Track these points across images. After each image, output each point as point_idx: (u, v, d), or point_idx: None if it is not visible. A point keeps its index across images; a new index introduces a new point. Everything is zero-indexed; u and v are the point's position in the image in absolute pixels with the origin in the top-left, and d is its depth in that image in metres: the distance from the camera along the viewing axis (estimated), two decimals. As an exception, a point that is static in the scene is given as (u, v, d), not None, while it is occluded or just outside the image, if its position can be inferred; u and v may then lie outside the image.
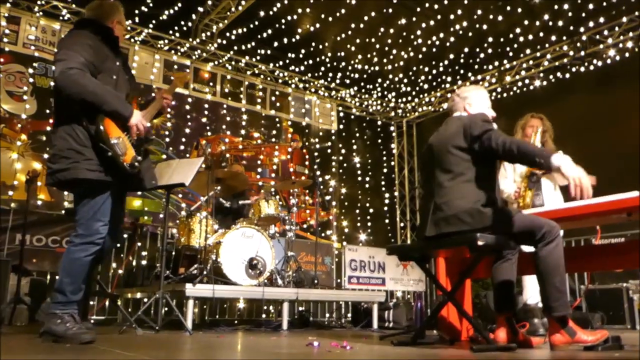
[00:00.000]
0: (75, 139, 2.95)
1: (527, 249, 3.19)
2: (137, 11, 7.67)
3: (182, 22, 8.13)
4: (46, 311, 3.24)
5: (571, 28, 7.92)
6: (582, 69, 8.26)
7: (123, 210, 3.48)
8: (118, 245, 3.35)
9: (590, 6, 7.35)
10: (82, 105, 2.92)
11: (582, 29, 7.95)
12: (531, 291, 4.50)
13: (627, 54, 7.81)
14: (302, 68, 9.40)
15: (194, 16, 8.09)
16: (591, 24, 7.83)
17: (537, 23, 7.75)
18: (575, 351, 2.81)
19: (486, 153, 3.01)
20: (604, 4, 7.30)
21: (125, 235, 6.97)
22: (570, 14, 7.51)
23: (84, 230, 3.02)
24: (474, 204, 2.98)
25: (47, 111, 7.16)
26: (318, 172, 7.65)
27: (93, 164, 2.95)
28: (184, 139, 8.32)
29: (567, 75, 8.48)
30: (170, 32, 8.24)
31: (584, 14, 7.56)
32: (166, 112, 3.49)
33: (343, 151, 10.25)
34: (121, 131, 3.03)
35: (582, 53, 8.01)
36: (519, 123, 4.85)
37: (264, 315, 7.98)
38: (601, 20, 7.73)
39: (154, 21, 7.94)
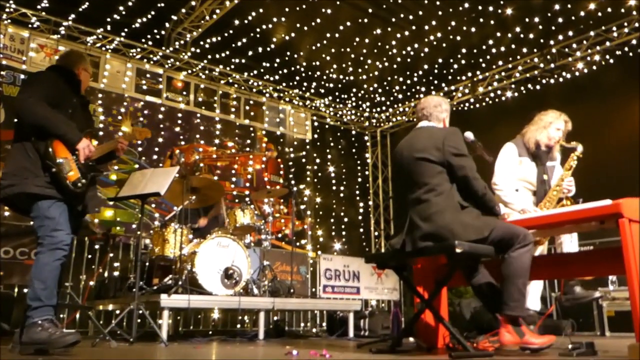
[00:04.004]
0: (26, 159, 3.24)
1: None
2: (108, 19, 7.58)
3: (155, 31, 8.04)
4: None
5: (541, 41, 8.11)
6: (552, 80, 8.46)
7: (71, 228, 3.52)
8: (65, 260, 3.47)
9: (560, 20, 7.53)
10: (36, 129, 3.26)
11: (552, 42, 8.15)
12: (532, 297, 4.26)
13: (594, 67, 8.03)
14: (277, 77, 9.40)
15: (167, 24, 8.02)
16: (560, 37, 8.03)
17: (509, 35, 7.91)
18: (551, 356, 2.84)
19: (454, 171, 3.06)
20: (573, 18, 7.49)
21: (96, 246, 6.85)
22: (540, 27, 7.69)
23: (49, 240, 3.19)
24: (453, 219, 2.99)
25: (16, 120, 6.99)
26: (293, 182, 7.63)
27: (40, 181, 3.20)
28: (157, 149, 8.21)
29: (538, 87, 8.67)
30: (143, 40, 8.15)
31: (553, 27, 7.75)
32: (120, 154, 3.85)
33: (317, 161, 10.25)
34: (69, 154, 3.32)
35: (552, 65, 8.21)
36: (543, 118, 4.23)
37: (238, 326, 7.89)
38: (570, 33, 7.94)
39: (126, 29, 7.84)
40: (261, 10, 7.53)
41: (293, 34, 8.10)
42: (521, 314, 2.95)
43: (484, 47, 8.24)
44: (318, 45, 8.33)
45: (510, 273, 2.96)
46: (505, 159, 4.16)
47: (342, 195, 10.36)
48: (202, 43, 8.32)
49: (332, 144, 10.58)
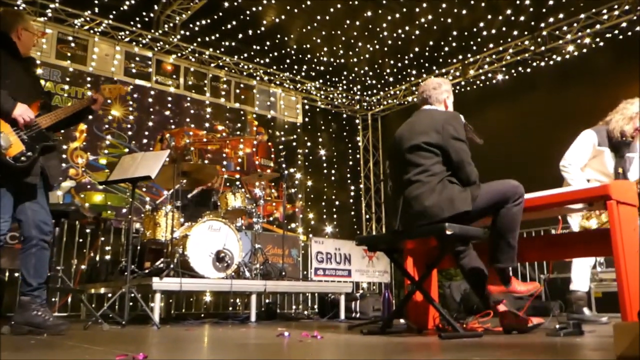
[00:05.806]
0: None
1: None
2: (96, 1, 7.47)
3: (144, 13, 7.94)
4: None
5: (532, 23, 8.10)
6: (543, 63, 8.47)
7: (41, 204, 3.41)
8: (49, 239, 3.42)
9: (551, 2, 7.52)
10: None
11: (542, 25, 8.14)
12: (582, 278, 4.26)
13: (585, 50, 8.04)
14: (267, 60, 9.34)
15: (155, 7, 7.90)
16: (551, 19, 8.02)
17: (500, 18, 7.90)
18: (539, 336, 2.89)
19: (451, 155, 3.09)
20: (563, 0, 7.48)
21: (87, 230, 6.84)
22: (531, 9, 7.67)
23: None
24: (441, 196, 3.01)
25: None
26: (284, 165, 7.61)
27: None
28: (147, 133, 8.17)
29: (529, 70, 8.69)
30: (132, 23, 8.05)
31: (544, 10, 7.73)
32: (97, 109, 3.60)
33: (309, 144, 10.24)
34: (9, 127, 3.08)
35: (543, 48, 8.21)
36: (630, 107, 4.12)
37: (230, 309, 7.94)
38: (560, 16, 7.93)
39: (114, 12, 7.74)
40: (251, -8, 7.46)
41: (283, 17, 8.03)
42: (510, 265, 3.06)
43: (474, 29, 8.22)
44: (308, 28, 8.28)
45: (500, 227, 3.04)
46: (581, 146, 4.14)
47: (333, 178, 10.38)
48: (191, 26, 8.22)
49: (323, 127, 10.57)
